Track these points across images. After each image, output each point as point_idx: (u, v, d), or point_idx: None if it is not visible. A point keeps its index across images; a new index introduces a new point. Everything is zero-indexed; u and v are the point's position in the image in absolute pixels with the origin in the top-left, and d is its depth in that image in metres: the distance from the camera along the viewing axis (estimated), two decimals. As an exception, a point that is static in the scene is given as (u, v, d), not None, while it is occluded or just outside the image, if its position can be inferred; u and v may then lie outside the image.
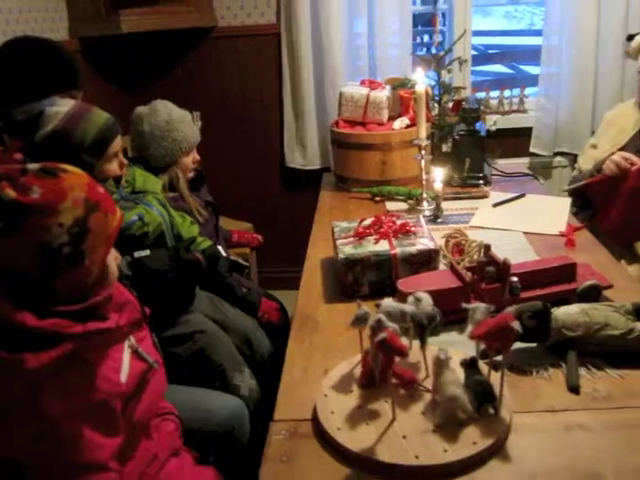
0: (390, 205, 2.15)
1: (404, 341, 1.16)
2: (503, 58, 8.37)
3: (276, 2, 2.93)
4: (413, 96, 2.22)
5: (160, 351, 1.16)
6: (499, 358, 1.09)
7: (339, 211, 2.14)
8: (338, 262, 1.51)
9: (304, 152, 3.11)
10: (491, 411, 1.04)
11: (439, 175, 1.99)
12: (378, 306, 1.16)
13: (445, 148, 2.63)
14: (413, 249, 1.51)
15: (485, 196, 2.18)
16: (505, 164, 2.60)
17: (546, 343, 1.22)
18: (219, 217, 2.22)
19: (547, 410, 1.09)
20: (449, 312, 1.25)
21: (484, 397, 1.03)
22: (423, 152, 2.05)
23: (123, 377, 0.98)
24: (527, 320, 1.19)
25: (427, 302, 1.17)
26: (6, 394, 0.91)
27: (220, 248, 1.86)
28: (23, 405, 0.91)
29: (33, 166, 0.97)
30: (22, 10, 2.22)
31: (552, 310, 1.22)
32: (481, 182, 2.27)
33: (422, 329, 1.13)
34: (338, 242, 1.58)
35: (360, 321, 1.10)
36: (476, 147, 2.29)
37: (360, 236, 1.58)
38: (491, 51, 9.81)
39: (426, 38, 5.55)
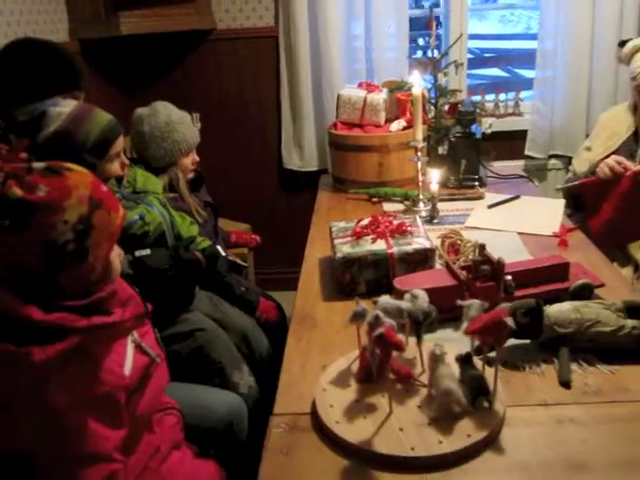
0: (387, 206, 2.18)
1: (401, 337, 1.20)
2: (499, 62, 8.42)
3: (274, 5, 2.96)
4: (410, 99, 2.25)
5: (162, 346, 1.19)
6: (493, 354, 1.12)
7: (337, 212, 2.17)
8: (336, 261, 1.54)
9: (301, 154, 3.14)
10: (485, 405, 1.06)
11: (435, 177, 2.02)
12: (375, 303, 1.18)
13: (441, 150, 2.66)
14: (409, 248, 1.53)
15: (480, 197, 2.21)
16: (500, 166, 2.64)
17: (539, 340, 1.26)
18: (218, 218, 2.25)
19: (539, 404, 1.11)
20: (445, 310, 1.28)
21: (478, 391, 1.06)
22: (419, 154, 2.08)
23: (127, 370, 1.01)
24: (520, 317, 1.22)
25: (423, 299, 1.20)
26: (13, 386, 0.94)
27: (219, 248, 1.89)
28: (30, 397, 0.93)
29: (38, 165, 0.99)
30: (23, 12, 2.24)
31: (545, 307, 1.25)
32: (476, 184, 2.30)
33: (418, 325, 1.16)
34: (336, 241, 1.61)
35: (358, 317, 1.13)
36: (471, 149, 2.32)
37: (357, 236, 1.61)
38: (487, 55, 9.88)
39: (421, 42, 5.60)
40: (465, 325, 1.11)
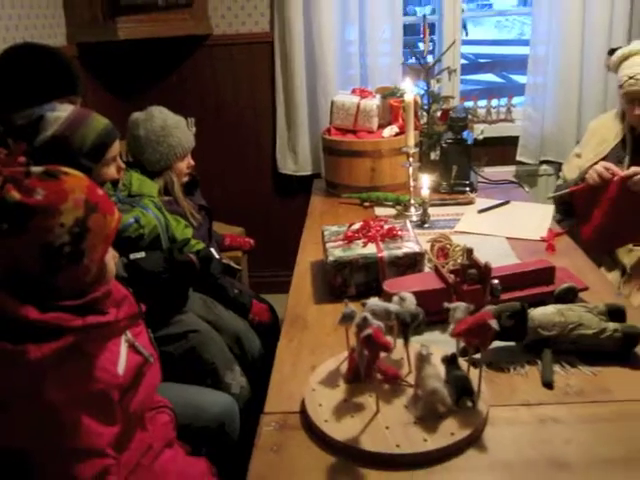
0: (379, 211, 2.21)
1: (389, 339, 1.23)
2: (493, 67, 8.49)
3: (270, 11, 3.00)
4: (402, 105, 2.29)
5: (155, 346, 1.21)
6: (479, 355, 1.15)
7: (329, 216, 2.20)
8: (328, 264, 1.57)
9: (296, 158, 3.17)
10: (469, 404, 1.10)
11: (426, 182, 2.05)
12: (364, 305, 1.21)
13: (433, 156, 2.70)
14: (399, 252, 1.57)
15: (471, 202, 2.25)
16: (492, 172, 2.67)
17: (523, 342, 1.29)
18: (212, 221, 2.28)
19: (522, 404, 1.15)
20: (432, 312, 1.31)
21: (463, 391, 1.09)
22: (411, 159, 2.11)
23: (120, 369, 1.03)
24: (505, 320, 1.25)
25: (411, 301, 1.23)
26: (9, 384, 0.96)
27: (213, 251, 1.92)
28: (25, 394, 0.96)
29: (36, 169, 1.02)
30: (21, 16, 2.27)
31: (529, 310, 1.29)
32: (467, 189, 2.33)
33: (405, 327, 1.19)
34: (328, 245, 1.64)
35: (347, 319, 1.16)
36: (463, 155, 2.35)
37: (349, 239, 1.64)
38: (482, 60, 9.94)
39: (421, 46, 5.63)
40: (451, 327, 1.14)
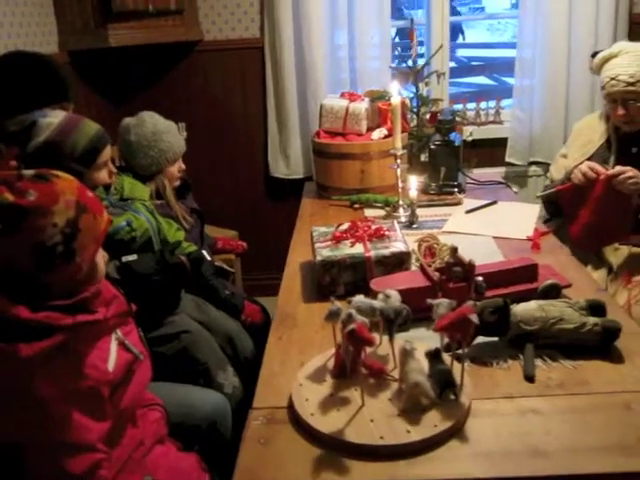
0: (368, 212, 2.24)
1: (376, 336, 1.26)
2: (484, 70, 8.56)
3: (260, 17, 3.03)
4: (390, 108, 2.32)
5: (146, 344, 1.24)
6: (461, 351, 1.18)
7: (319, 217, 2.23)
8: (316, 264, 1.60)
9: (287, 162, 3.21)
10: (452, 397, 1.13)
11: (414, 183, 2.09)
12: (350, 303, 1.25)
13: (423, 158, 2.74)
14: (386, 251, 1.60)
15: (459, 203, 2.28)
16: (482, 173, 2.72)
17: (506, 337, 1.32)
18: (204, 224, 2.31)
19: (504, 397, 1.18)
20: (418, 310, 1.34)
21: (445, 384, 1.12)
22: (399, 161, 2.15)
23: (110, 366, 1.07)
24: (488, 315, 1.29)
25: (396, 298, 1.27)
26: (1, 381, 0.99)
27: (205, 253, 1.95)
28: (17, 391, 0.99)
29: (28, 172, 1.06)
30: (13, 24, 2.30)
31: (511, 306, 1.32)
32: (456, 190, 2.37)
33: (390, 323, 1.23)
34: (316, 245, 1.67)
35: (333, 316, 1.19)
36: (451, 157, 2.39)
37: (337, 240, 1.67)
38: (474, 63, 10.02)
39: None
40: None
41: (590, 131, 2.28)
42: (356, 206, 2.30)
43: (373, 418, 1.08)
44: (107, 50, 2.64)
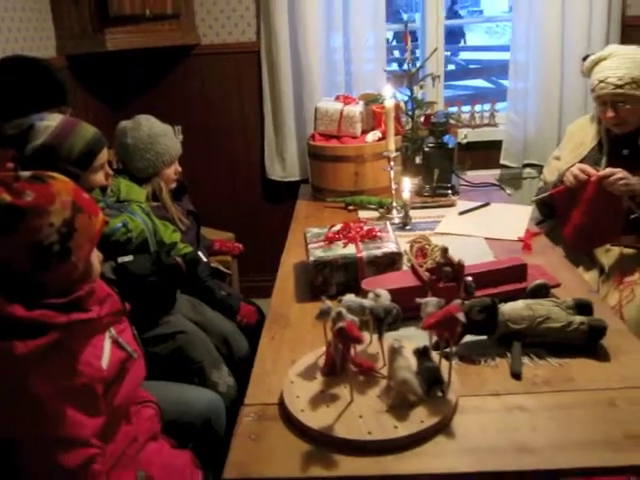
0: (363, 214, 2.26)
1: (366, 334, 1.29)
2: (482, 73, 8.60)
3: (256, 21, 3.06)
4: (383, 110, 2.35)
5: (140, 343, 1.27)
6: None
7: (314, 219, 2.26)
8: (309, 264, 1.63)
9: (284, 165, 3.23)
10: (439, 394, 1.15)
11: (407, 185, 2.11)
12: (341, 301, 1.27)
13: (418, 160, 2.76)
14: (378, 252, 1.63)
15: (452, 205, 2.31)
16: (477, 175, 2.75)
17: (494, 335, 1.35)
18: (200, 226, 2.33)
19: (491, 394, 1.20)
20: (408, 309, 1.36)
21: (433, 381, 1.15)
22: (392, 163, 2.18)
23: (104, 363, 1.09)
24: (476, 314, 1.31)
25: (385, 297, 1.29)
26: None
27: (200, 254, 1.97)
28: (12, 387, 1.01)
29: (24, 173, 1.09)
30: (11, 29, 2.33)
31: (499, 305, 1.34)
32: (449, 192, 2.39)
33: (379, 321, 1.25)
34: (310, 246, 1.70)
35: (324, 314, 1.21)
36: (444, 159, 2.41)
37: (330, 241, 1.70)
38: (472, 66, 10.05)
39: (396, 53, 5.72)
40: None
41: (582, 133, 2.31)
42: (350, 208, 2.33)
43: (362, 414, 1.11)
44: (105, 54, 2.67)
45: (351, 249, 1.65)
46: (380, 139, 2.42)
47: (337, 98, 2.57)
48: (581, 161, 2.20)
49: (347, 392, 1.16)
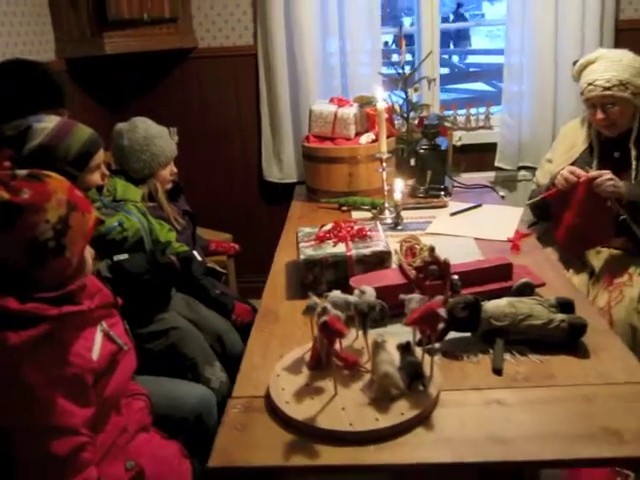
0: (356, 214, 2.30)
1: (352, 330, 1.33)
2: (482, 76, 8.64)
3: (253, 25, 3.10)
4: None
5: (131, 337, 1.30)
6: (436, 345, 1.24)
7: (307, 219, 2.29)
8: (300, 262, 1.66)
9: (281, 166, 3.27)
10: (420, 388, 1.18)
11: (399, 186, 2.15)
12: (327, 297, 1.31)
13: (413, 162, 2.80)
14: (367, 251, 1.66)
15: (444, 206, 2.34)
16: (472, 177, 2.78)
17: (477, 332, 1.38)
18: (196, 226, 2.37)
19: (472, 388, 1.23)
20: (395, 306, 1.40)
21: (415, 375, 1.18)
22: (384, 165, 2.21)
23: (95, 355, 1.13)
24: (459, 311, 1.35)
25: (370, 294, 1.33)
26: None
27: (195, 253, 2.01)
28: (5, 376, 1.05)
29: (21, 172, 1.13)
30: (11, 34, 2.38)
31: (483, 303, 1.38)
32: (442, 193, 2.43)
33: (363, 316, 1.29)
34: (301, 245, 1.73)
35: (310, 310, 1.25)
36: (437, 160, 2.45)
37: (320, 240, 1.74)
38: (472, 69, 10.10)
39: (395, 57, 5.76)
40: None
41: (574, 136, 2.34)
42: (344, 208, 2.36)
43: (345, 406, 1.14)
44: (103, 57, 2.71)
45: (341, 248, 1.68)
46: (374, 141, 2.45)
47: (331, 100, 2.61)
48: (572, 163, 2.23)
49: (331, 385, 1.19)
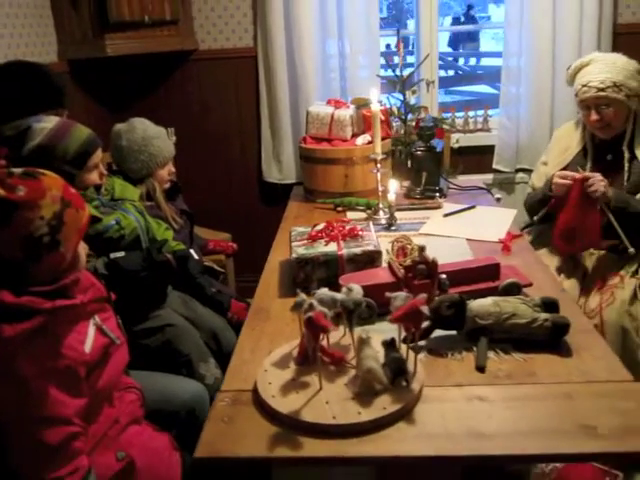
0: (351, 214, 2.33)
1: (340, 327, 1.36)
2: (484, 79, 8.65)
3: (253, 27, 3.14)
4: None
5: (123, 331, 1.34)
6: (422, 343, 1.27)
7: (303, 219, 2.32)
8: (292, 261, 1.70)
9: (280, 167, 3.30)
10: (403, 384, 1.21)
11: (393, 187, 2.18)
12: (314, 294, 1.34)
13: (410, 163, 2.83)
14: (358, 250, 1.70)
15: (438, 207, 2.37)
16: (468, 179, 2.80)
17: (462, 330, 1.41)
18: (194, 225, 2.40)
19: (455, 385, 1.26)
20: (383, 304, 1.43)
21: (398, 371, 1.21)
22: (379, 166, 2.24)
23: (87, 348, 1.17)
24: (445, 310, 1.38)
25: (357, 292, 1.36)
26: None
27: (192, 252, 2.05)
28: (0, 368, 1.08)
29: (17, 170, 1.17)
30: (13, 35, 2.43)
31: (468, 301, 1.40)
32: (437, 194, 2.46)
33: (349, 313, 1.32)
34: (293, 244, 1.77)
35: (298, 306, 1.28)
36: (432, 162, 2.48)
37: (313, 239, 1.77)
38: (479, 72, 10.11)
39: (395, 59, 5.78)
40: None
41: (568, 138, 2.36)
42: (339, 209, 2.40)
43: (329, 400, 1.17)
44: (105, 59, 2.75)
45: (332, 247, 1.71)
46: (370, 142, 2.48)
47: (328, 102, 2.64)
48: (566, 166, 2.26)
49: (317, 380, 1.23)
